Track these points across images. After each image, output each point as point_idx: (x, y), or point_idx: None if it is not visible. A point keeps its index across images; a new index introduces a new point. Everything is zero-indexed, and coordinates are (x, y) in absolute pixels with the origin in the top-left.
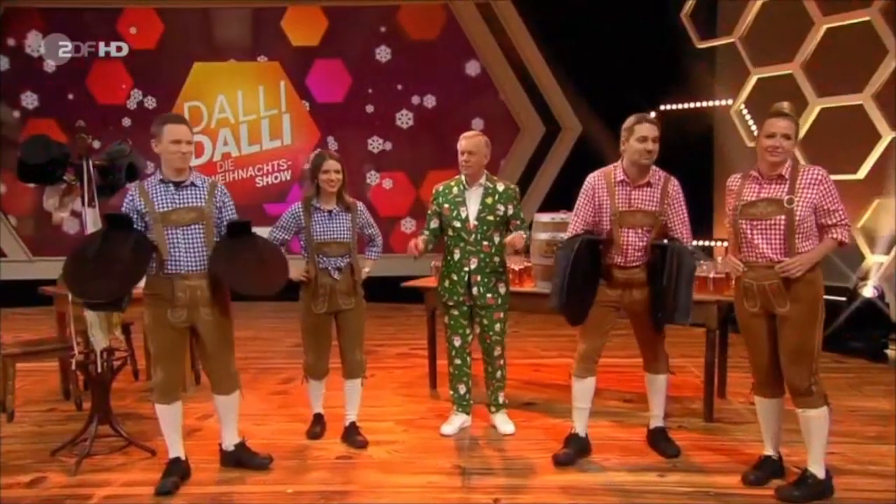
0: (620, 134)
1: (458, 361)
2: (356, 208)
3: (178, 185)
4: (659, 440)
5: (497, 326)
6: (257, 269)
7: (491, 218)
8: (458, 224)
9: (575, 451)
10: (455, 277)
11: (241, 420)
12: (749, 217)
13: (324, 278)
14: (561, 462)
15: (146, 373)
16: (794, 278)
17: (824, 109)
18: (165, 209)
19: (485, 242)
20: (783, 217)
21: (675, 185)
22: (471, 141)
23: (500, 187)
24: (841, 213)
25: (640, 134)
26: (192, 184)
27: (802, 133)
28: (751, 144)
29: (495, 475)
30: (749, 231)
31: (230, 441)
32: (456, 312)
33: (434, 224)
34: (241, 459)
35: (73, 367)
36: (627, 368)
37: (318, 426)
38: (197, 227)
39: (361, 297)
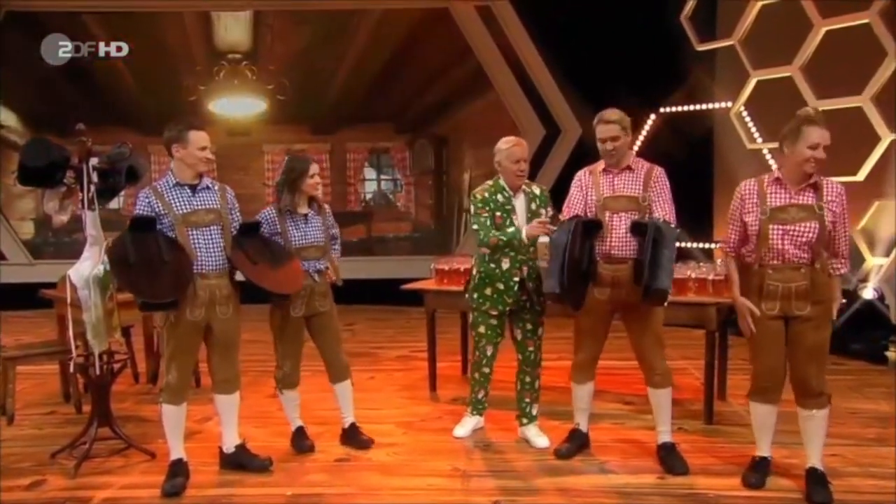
0: None
1: (486, 370)
2: (324, 210)
3: (193, 188)
4: (667, 456)
5: (539, 331)
6: (278, 270)
7: None
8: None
9: (576, 445)
10: (502, 287)
11: (241, 422)
12: (780, 222)
13: (305, 280)
14: (562, 455)
15: (146, 375)
16: (818, 280)
17: (824, 111)
18: (185, 211)
19: (532, 249)
20: (815, 223)
21: (658, 172)
22: (524, 147)
23: (537, 190)
24: (847, 242)
25: (599, 136)
26: (207, 187)
27: None
28: (751, 147)
29: (495, 477)
30: (780, 237)
31: (231, 442)
32: (494, 322)
33: (494, 229)
34: (241, 461)
35: (73, 369)
36: (627, 371)
37: (305, 439)
38: (215, 227)
39: (332, 298)
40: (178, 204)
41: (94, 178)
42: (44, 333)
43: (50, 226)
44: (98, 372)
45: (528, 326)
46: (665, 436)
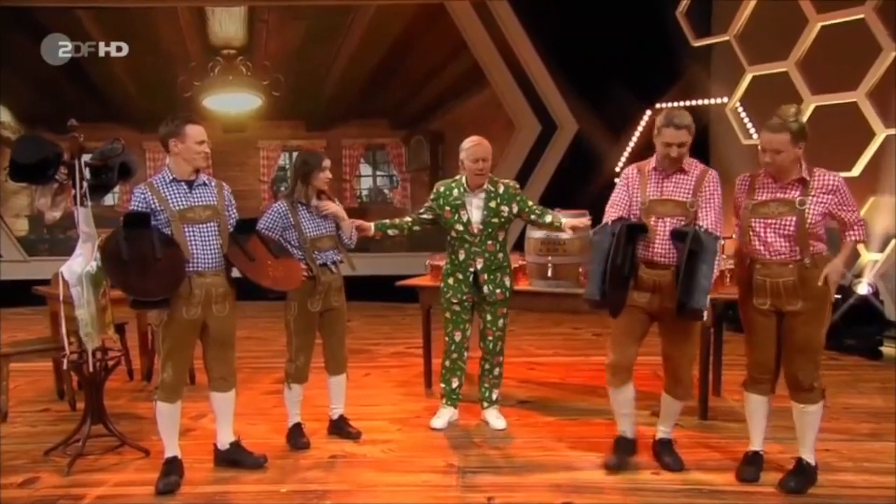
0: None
1: (455, 356)
2: (334, 201)
3: (190, 184)
4: (662, 452)
5: (500, 322)
6: (276, 266)
7: (496, 220)
8: (460, 227)
9: (624, 454)
10: (460, 276)
11: (236, 419)
12: (761, 216)
13: (324, 276)
14: (612, 467)
15: (140, 372)
16: (808, 276)
17: (819, 107)
18: (182, 207)
19: (489, 242)
20: (794, 218)
21: (711, 176)
22: (485, 147)
23: (501, 188)
24: (856, 213)
25: (664, 139)
26: (204, 183)
27: None
28: (746, 142)
29: (490, 473)
30: (762, 230)
31: (225, 440)
32: (458, 308)
33: (426, 216)
34: (235, 459)
35: (66, 366)
36: None
37: (303, 436)
38: (212, 224)
39: (344, 294)
40: (174, 200)
41: (87, 174)
42: (38, 330)
43: (44, 223)
44: (92, 369)
45: (488, 318)
46: (664, 433)
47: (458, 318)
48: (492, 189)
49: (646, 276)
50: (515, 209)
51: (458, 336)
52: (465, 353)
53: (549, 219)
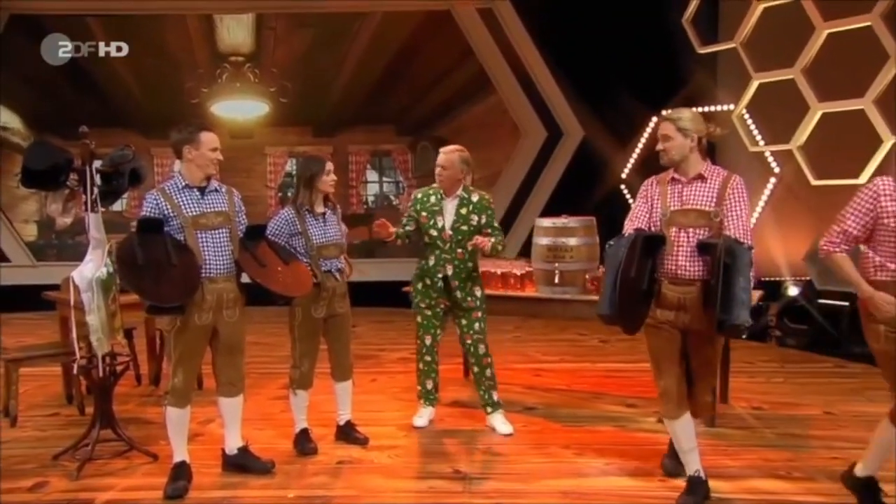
0: None
1: (428, 359)
2: (337, 209)
3: (202, 190)
4: (673, 457)
5: (477, 325)
6: (285, 272)
7: (465, 228)
8: (434, 233)
9: (700, 498)
10: (429, 282)
11: (243, 424)
12: None
13: (329, 282)
14: None
15: (149, 377)
16: None
17: (826, 114)
18: (194, 213)
19: (459, 250)
20: None
21: (735, 182)
22: (445, 157)
23: (475, 198)
24: None
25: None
26: (215, 189)
27: (804, 138)
28: (753, 149)
29: (496, 480)
30: None
31: (233, 445)
32: (429, 313)
33: (410, 227)
34: (243, 464)
35: (76, 371)
36: (629, 373)
37: (310, 442)
38: (224, 230)
39: (349, 300)
40: (187, 206)
41: (97, 180)
42: (45, 335)
43: (53, 228)
44: (101, 374)
45: (463, 322)
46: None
47: (430, 322)
48: (465, 197)
49: (669, 294)
50: (484, 220)
51: (428, 340)
52: (437, 356)
53: (488, 249)
